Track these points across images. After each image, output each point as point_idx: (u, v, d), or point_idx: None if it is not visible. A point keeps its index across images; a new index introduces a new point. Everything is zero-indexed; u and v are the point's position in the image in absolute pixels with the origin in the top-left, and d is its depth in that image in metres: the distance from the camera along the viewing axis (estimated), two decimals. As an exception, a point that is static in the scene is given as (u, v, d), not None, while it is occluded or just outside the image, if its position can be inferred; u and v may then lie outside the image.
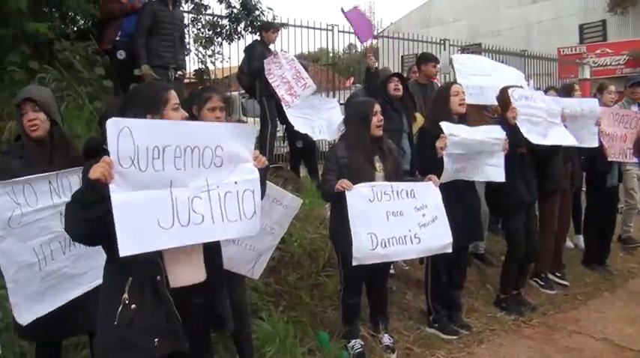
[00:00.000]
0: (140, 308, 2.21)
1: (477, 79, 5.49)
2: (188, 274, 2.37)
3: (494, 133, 4.46)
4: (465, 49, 12.62)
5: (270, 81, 6.26)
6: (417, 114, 5.59)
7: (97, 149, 2.24)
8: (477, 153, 4.36)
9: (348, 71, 14.44)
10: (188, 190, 2.25)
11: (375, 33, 10.54)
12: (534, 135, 4.79)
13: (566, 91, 6.07)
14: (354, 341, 4.06)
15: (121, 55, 5.82)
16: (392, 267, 4.81)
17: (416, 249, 3.91)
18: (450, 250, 4.03)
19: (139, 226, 2.09)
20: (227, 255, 3.14)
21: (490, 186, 4.87)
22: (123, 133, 2.06)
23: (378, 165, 3.99)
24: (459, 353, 4.30)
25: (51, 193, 2.91)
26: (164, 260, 2.26)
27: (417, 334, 4.49)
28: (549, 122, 4.93)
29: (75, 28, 6.79)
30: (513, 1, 24.28)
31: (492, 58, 12.55)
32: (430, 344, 4.38)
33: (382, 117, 4.03)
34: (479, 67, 5.61)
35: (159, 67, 5.81)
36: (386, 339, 4.17)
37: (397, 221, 3.82)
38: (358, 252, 3.70)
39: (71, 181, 2.93)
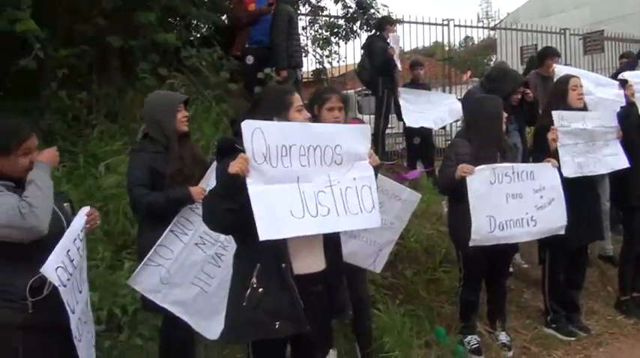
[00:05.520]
0: (266, 292, 2.41)
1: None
2: (310, 263, 2.56)
3: (606, 121, 4.35)
4: (587, 38, 11.91)
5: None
6: None
7: (231, 148, 2.47)
8: (592, 146, 4.27)
9: (465, 65, 14.16)
10: (313, 185, 2.47)
11: (492, 25, 10.29)
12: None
13: None
14: (470, 336, 4.10)
15: (249, 60, 6.26)
16: (511, 265, 4.76)
17: (532, 231, 3.91)
18: (563, 232, 3.99)
19: (275, 215, 2.32)
20: (349, 249, 3.32)
21: (616, 178, 4.71)
22: (255, 134, 2.31)
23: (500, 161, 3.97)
24: (576, 355, 4.26)
25: (178, 238, 3.17)
26: (288, 249, 2.47)
27: (534, 333, 4.48)
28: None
29: (198, 35, 7.23)
30: (640, -18, 22.48)
31: (616, 46, 11.76)
32: (547, 344, 4.36)
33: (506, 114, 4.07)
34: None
35: (291, 68, 6.20)
36: (503, 337, 4.19)
37: (516, 203, 3.82)
38: (476, 233, 3.72)
39: (189, 218, 3.17)
